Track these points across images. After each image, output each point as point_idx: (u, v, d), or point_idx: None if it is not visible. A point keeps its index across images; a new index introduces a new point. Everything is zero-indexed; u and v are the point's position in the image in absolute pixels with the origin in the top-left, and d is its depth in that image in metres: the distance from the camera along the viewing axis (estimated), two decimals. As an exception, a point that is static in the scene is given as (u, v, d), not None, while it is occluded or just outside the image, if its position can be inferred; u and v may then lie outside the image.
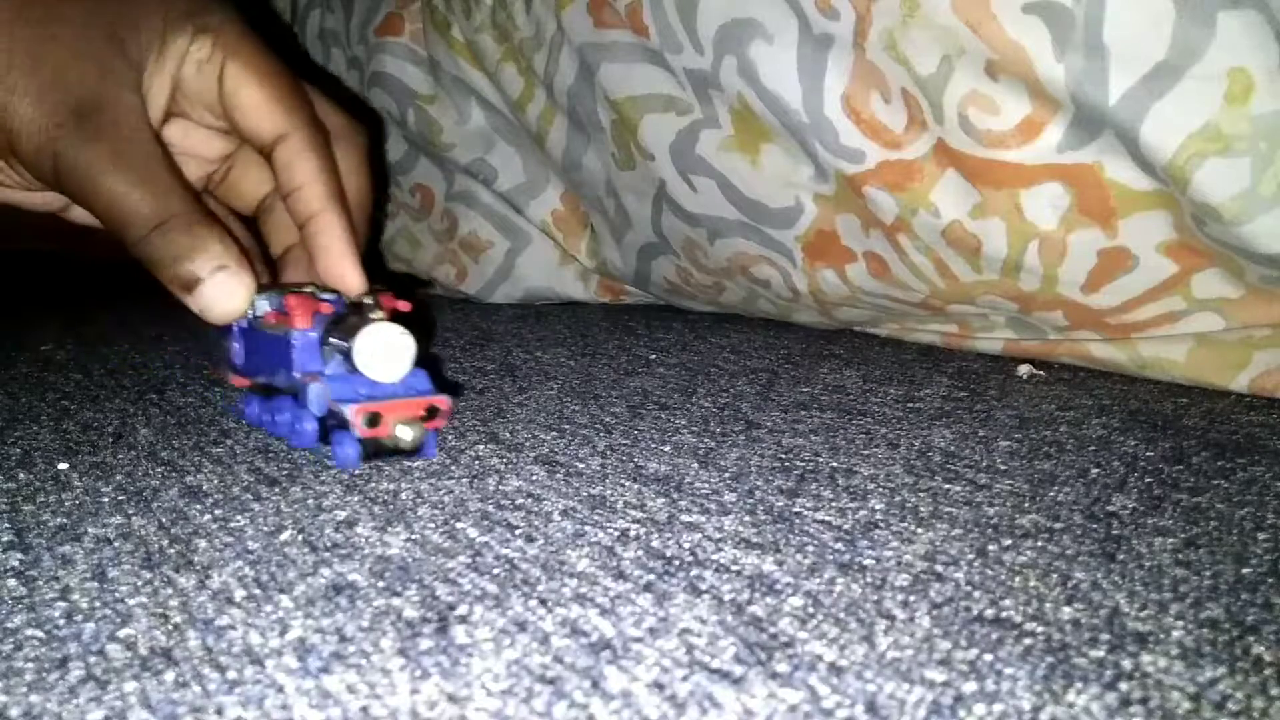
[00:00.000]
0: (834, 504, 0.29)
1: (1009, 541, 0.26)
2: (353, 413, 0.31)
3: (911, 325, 0.51)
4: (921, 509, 0.29)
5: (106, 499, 0.30)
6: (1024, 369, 0.45)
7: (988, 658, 0.20)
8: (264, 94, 0.33)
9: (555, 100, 0.54)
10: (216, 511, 0.29)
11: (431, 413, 0.32)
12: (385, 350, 0.32)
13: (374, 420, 0.31)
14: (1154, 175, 0.35)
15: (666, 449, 0.34)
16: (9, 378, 0.46)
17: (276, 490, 0.30)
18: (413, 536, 0.27)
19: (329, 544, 0.26)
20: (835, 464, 0.33)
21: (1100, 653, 0.20)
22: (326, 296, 0.34)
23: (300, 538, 0.27)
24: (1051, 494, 0.30)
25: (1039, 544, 0.26)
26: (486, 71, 0.58)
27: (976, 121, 0.37)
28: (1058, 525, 0.27)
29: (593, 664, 0.20)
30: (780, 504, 0.29)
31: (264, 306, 0.34)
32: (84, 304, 0.73)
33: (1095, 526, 0.27)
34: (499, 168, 0.61)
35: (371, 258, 0.38)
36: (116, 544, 0.26)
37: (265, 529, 0.27)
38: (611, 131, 0.51)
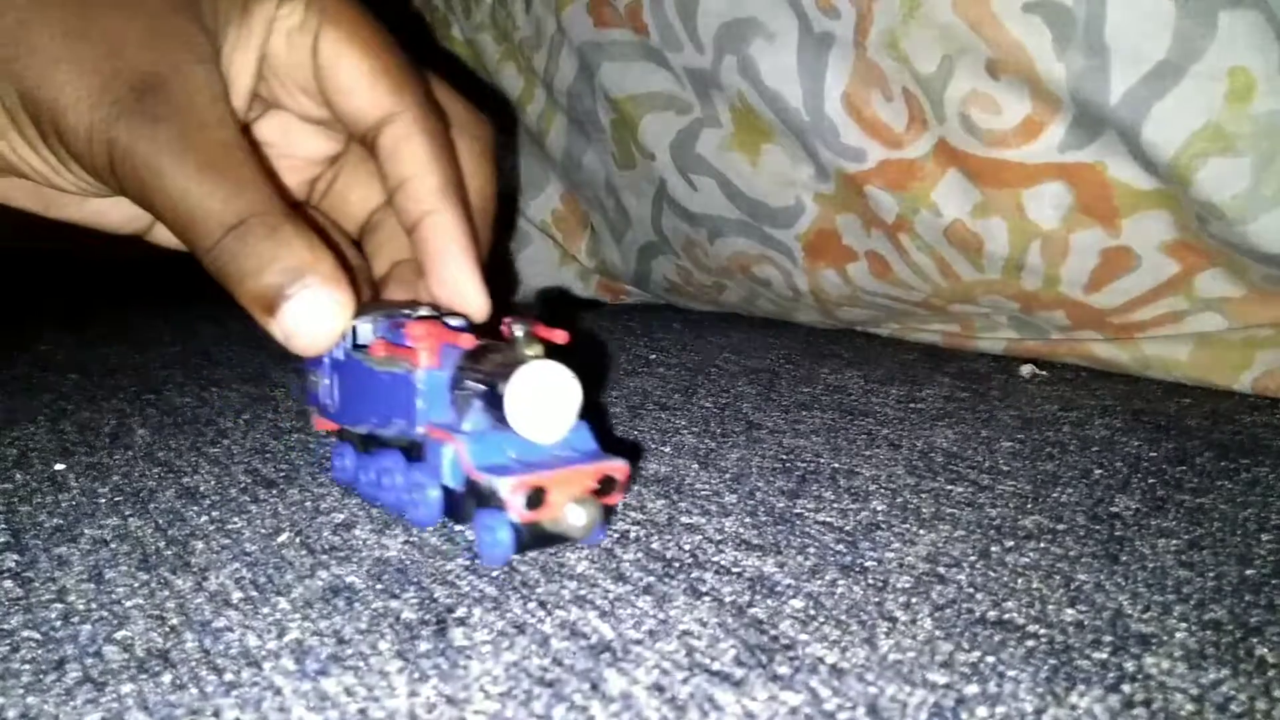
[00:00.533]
0: (835, 505, 0.29)
1: (1011, 543, 0.26)
2: (510, 489, 0.23)
3: (913, 325, 0.51)
4: (923, 510, 0.28)
5: (103, 500, 0.30)
6: (1026, 369, 0.45)
7: (990, 660, 0.20)
8: (368, 66, 0.27)
9: (555, 99, 0.54)
10: (214, 513, 0.28)
11: (606, 485, 0.24)
12: (546, 399, 0.24)
13: (537, 499, 0.23)
14: (1156, 174, 0.35)
15: (667, 449, 0.34)
16: (6, 378, 0.46)
17: (274, 492, 0.30)
18: (411, 539, 0.26)
19: (327, 546, 0.26)
20: (837, 465, 0.33)
21: (1103, 654, 0.20)
22: (455, 323, 0.27)
23: (298, 540, 0.26)
24: (1054, 495, 0.30)
25: (1042, 545, 0.26)
26: (486, 70, 0.57)
27: (978, 120, 0.37)
28: (1060, 526, 0.27)
29: (592, 666, 0.20)
30: (781, 505, 0.29)
31: (366, 332, 0.27)
32: (81, 303, 0.73)
33: (1098, 528, 0.27)
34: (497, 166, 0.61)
35: (496, 273, 0.29)
36: (113, 545, 0.26)
37: (263, 531, 0.27)
38: (611, 131, 0.51)
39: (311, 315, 0.24)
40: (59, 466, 0.33)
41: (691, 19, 0.44)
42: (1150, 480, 0.31)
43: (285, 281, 0.24)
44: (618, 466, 0.24)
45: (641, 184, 0.52)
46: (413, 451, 0.26)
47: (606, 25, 0.48)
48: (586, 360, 0.29)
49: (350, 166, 0.32)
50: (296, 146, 0.30)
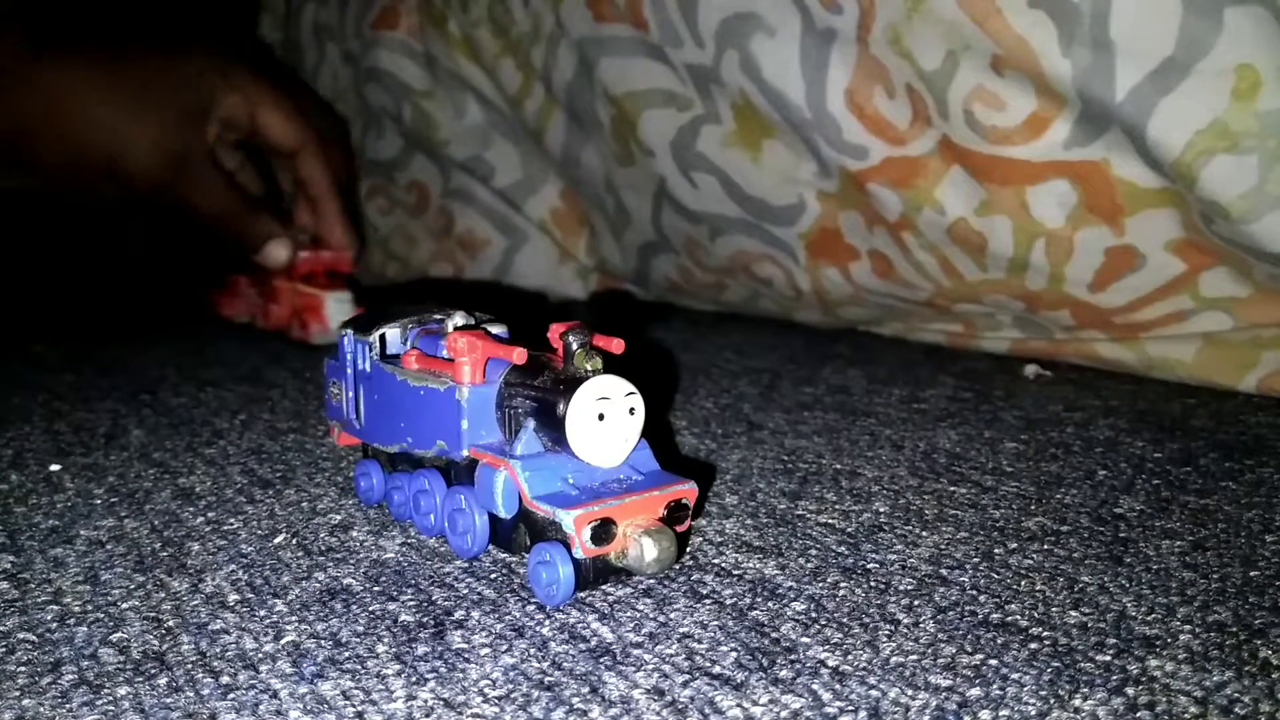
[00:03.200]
0: (837, 507, 0.29)
1: (1015, 544, 0.26)
2: (574, 522, 0.21)
3: (916, 324, 0.50)
4: (926, 512, 0.28)
5: (99, 501, 0.29)
6: (1030, 369, 0.45)
7: (993, 662, 0.20)
8: (283, 126, 0.53)
9: (553, 96, 0.54)
10: (210, 514, 0.28)
11: (675, 511, 0.22)
12: (610, 419, 0.22)
13: (604, 532, 0.21)
14: (1161, 172, 0.35)
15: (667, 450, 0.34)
16: (0, 378, 0.46)
17: (270, 493, 0.30)
18: (408, 540, 0.26)
19: (324, 548, 0.26)
20: (839, 466, 0.33)
21: (1107, 657, 0.20)
22: (497, 331, 0.26)
23: (295, 541, 0.26)
24: (1058, 496, 0.29)
25: (1045, 547, 0.26)
26: (484, 67, 0.57)
27: (982, 117, 0.37)
28: (1064, 528, 0.27)
29: (592, 669, 0.20)
30: (783, 507, 0.29)
31: (395, 340, 0.26)
32: (78, 304, 0.73)
33: (1102, 529, 0.27)
34: (496, 164, 0.61)
35: (356, 218, 0.60)
36: (109, 547, 0.26)
37: (259, 532, 0.27)
38: (611, 127, 0.51)
39: (273, 254, 0.52)
40: (54, 467, 0.33)
41: (692, 14, 0.43)
42: (1154, 481, 0.31)
43: (259, 239, 0.52)
44: (687, 490, 0.22)
45: (641, 181, 0.52)
46: (451, 472, 0.25)
47: (605, 20, 0.47)
48: (644, 368, 0.28)
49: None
50: (228, 138, 0.55)
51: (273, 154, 0.56)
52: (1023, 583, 0.23)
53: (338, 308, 0.50)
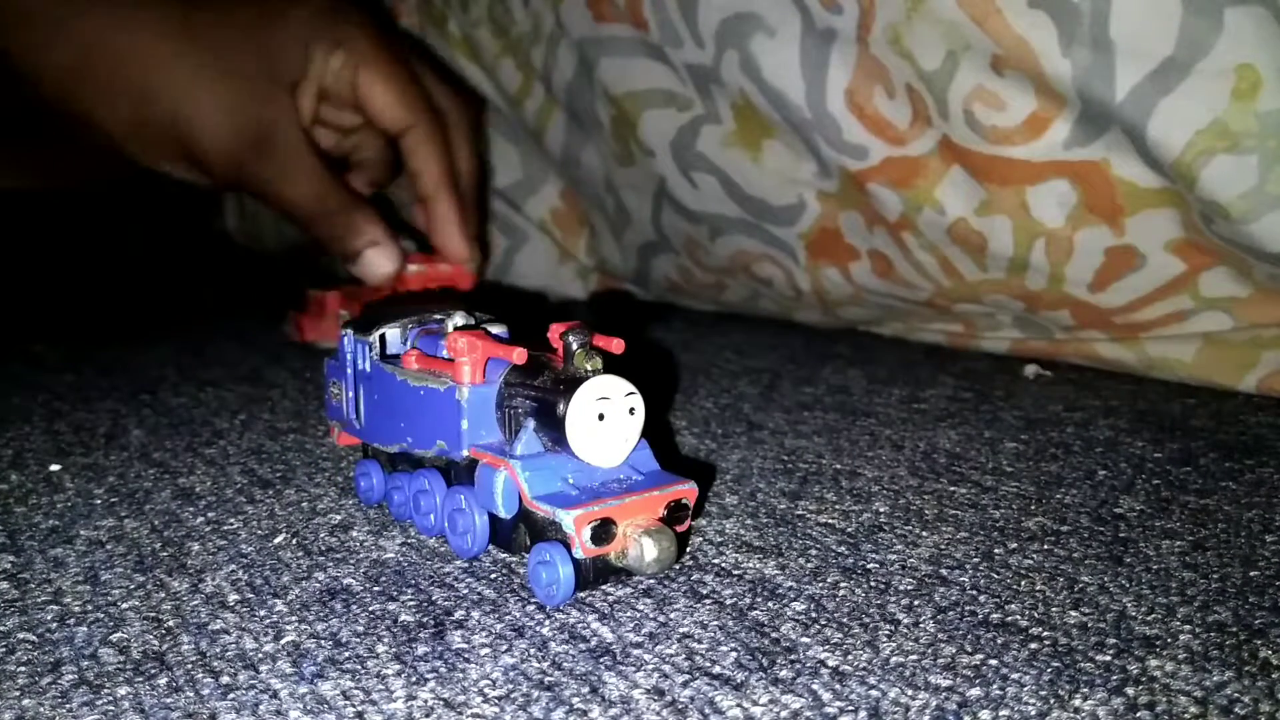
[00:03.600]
0: (837, 507, 0.29)
1: (1015, 544, 0.26)
2: (573, 522, 0.21)
3: (916, 324, 0.50)
4: (926, 512, 0.28)
5: (99, 501, 0.29)
6: (1030, 369, 0.45)
7: (993, 662, 0.20)
8: (390, 96, 0.42)
9: (553, 96, 0.54)
10: (210, 514, 0.28)
11: (675, 511, 0.22)
12: (610, 419, 0.22)
13: (604, 532, 0.21)
14: (1161, 172, 0.35)
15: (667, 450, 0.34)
16: (0, 378, 0.46)
17: (270, 493, 0.30)
18: (408, 540, 0.26)
19: (324, 548, 0.26)
20: (839, 466, 0.33)
21: (1107, 657, 0.20)
22: (497, 331, 0.26)
23: (295, 541, 0.26)
24: (1058, 496, 0.29)
25: (1045, 547, 0.26)
26: (484, 66, 0.57)
27: (982, 117, 0.37)
28: (1064, 528, 0.27)
29: (592, 669, 0.20)
30: (783, 507, 0.29)
31: (395, 340, 0.26)
32: (76, 304, 0.73)
33: (1102, 529, 0.27)
34: (496, 164, 0.61)
35: (484, 225, 0.48)
36: (109, 547, 0.26)
37: (259, 532, 0.27)
38: (611, 127, 0.51)
39: (375, 263, 0.42)
40: (54, 467, 0.33)
41: (692, 14, 0.43)
42: (1154, 481, 0.31)
43: (358, 243, 0.42)
44: (687, 490, 0.22)
45: (641, 181, 0.52)
46: (451, 472, 0.25)
47: (605, 20, 0.47)
48: (644, 368, 0.29)
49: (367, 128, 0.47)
50: (342, 120, 0.46)
51: (384, 136, 0.45)
52: (1023, 583, 0.23)
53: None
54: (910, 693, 0.19)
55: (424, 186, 0.44)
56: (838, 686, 0.19)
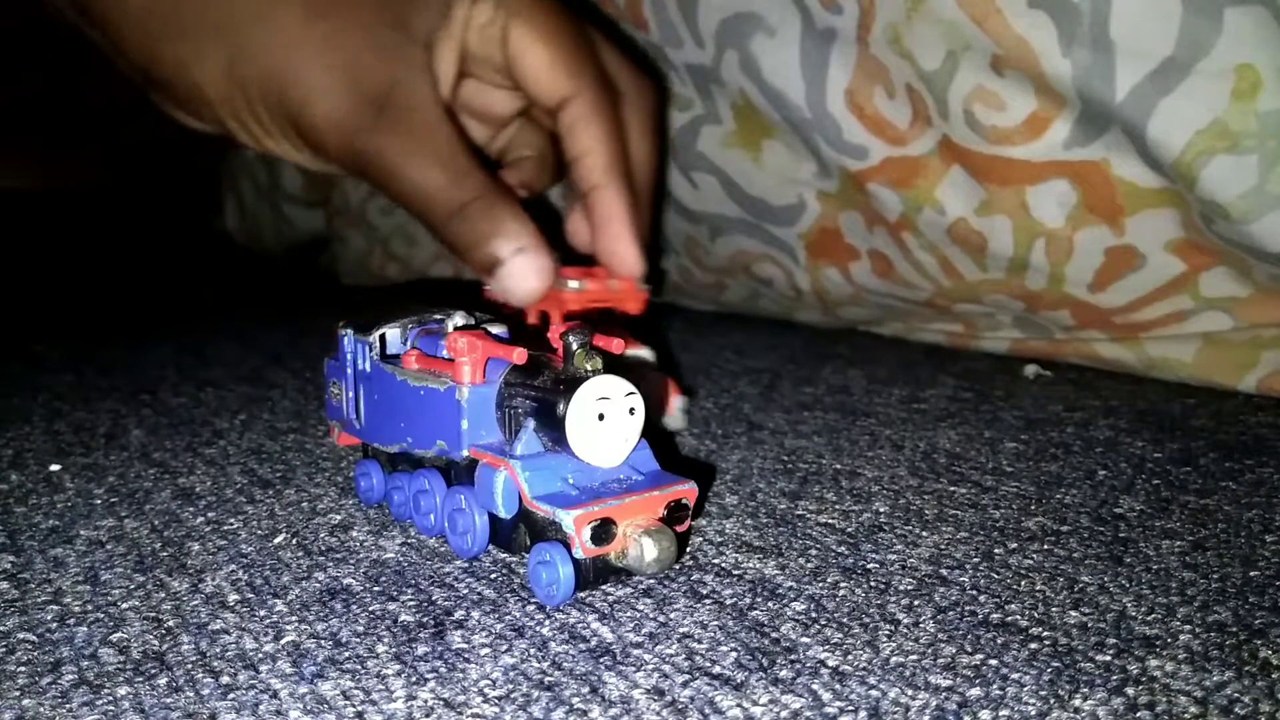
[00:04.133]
0: (837, 507, 0.29)
1: (1015, 544, 0.26)
2: (573, 522, 0.21)
3: (916, 325, 0.50)
4: (926, 512, 0.28)
5: (99, 501, 0.29)
6: (1030, 369, 0.45)
7: (993, 662, 0.20)
8: (549, 56, 0.32)
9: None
10: (210, 514, 0.28)
11: (675, 511, 0.22)
12: (610, 419, 0.22)
13: (604, 532, 0.21)
14: (1161, 172, 0.35)
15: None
16: (0, 378, 0.46)
17: (270, 493, 0.30)
18: (408, 540, 0.26)
19: (324, 548, 0.26)
20: (839, 466, 0.33)
21: (1107, 657, 0.20)
22: (497, 332, 0.26)
23: (295, 541, 0.26)
24: (1058, 496, 0.29)
25: (1045, 547, 0.26)
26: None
27: (982, 117, 0.37)
28: (1064, 528, 0.27)
29: (592, 669, 0.20)
30: (783, 507, 0.29)
31: (395, 340, 0.27)
32: (76, 304, 0.73)
33: (1102, 529, 0.27)
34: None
35: (655, 234, 0.35)
36: (109, 547, 0.26)
37: (259, 532, 0.27)
38: (612, 129, 0.51)
39: (522, 276, 0.31)
40: (54, 467, 0.33)
41: (692, 14, 0.43)
42: (1155, 481, 0.31)
43: (500, 250, 0.30)
44: (687, 490, 0.22)
45: (642, 182, 0.52)
46: (451, 472, 0.25)
47: (607, 22, 0.47)
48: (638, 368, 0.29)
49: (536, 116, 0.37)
50: (492, 106, 0.36)
51: (544, 131, 0.36)
52: (1023, 583, 0.23)
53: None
54: (910, 693, 0.19)
55: (588, 173, 0.33)
56: (838, 686, 0.19)
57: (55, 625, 0.22)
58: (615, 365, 0.23)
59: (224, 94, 0.31)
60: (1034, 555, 0.25)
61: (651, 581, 0.24)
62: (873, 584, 0.23)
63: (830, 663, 0.20)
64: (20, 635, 0.21)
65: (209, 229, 0.93)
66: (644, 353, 0.34)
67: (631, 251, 0.33)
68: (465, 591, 0.23)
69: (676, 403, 0.35)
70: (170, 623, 0.22)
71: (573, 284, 0.33)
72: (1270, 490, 0.30)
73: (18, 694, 0.19)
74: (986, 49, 0.36)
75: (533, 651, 0.20)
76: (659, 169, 0.38)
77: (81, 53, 0.36)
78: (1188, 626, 0.21)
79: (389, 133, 0.30)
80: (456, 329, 0.25)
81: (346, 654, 0.20)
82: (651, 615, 0.22)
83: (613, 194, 0.33)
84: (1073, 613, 0.22)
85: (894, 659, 0.20)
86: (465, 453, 0.24)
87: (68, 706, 0.18)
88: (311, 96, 0.30)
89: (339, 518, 0.28)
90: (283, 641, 0.21)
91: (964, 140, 0.38)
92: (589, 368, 0.22)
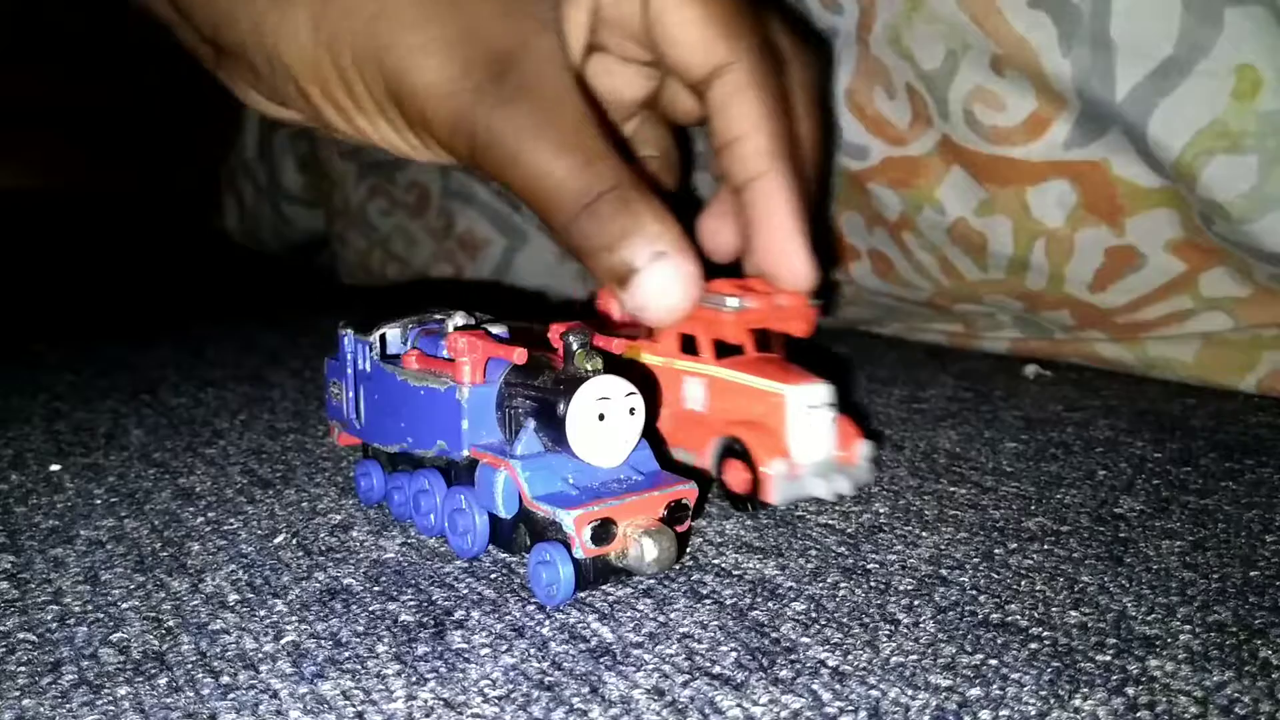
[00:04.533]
0: (837, 507, 0.29)
1: (1015, 545, 0.26)
2: (573, 522, 0.21)
3: (916, 325, 0.50)
4: (926, 512, 0.28)
5: (99, 501, 0.29)
6: (1030, 369, 0.45)
7: (993, 662, 0.20)
8: (698, 15, 0.27)
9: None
10: (210, 514, 0.28)
11: (675, 511, 0.22)
12: (611, 419, 0.22)
13: (604, 532, 0.21)
14: (1162, 172, 0.35)
15: (667, 449, 0.34)
16: (0, 378, 0.46)
17: (270, 493, 0.30)
18: (409, 540, 0.26)
19: (324, 548, 0.26)
20: (838, 465, 0.32)
21: (1107, 657, 0.20)
22: (497, 332, 0.25)
23: (295, 541, 0.26)
24: (1058, 496, 0.29)
25: (1045, 547, 0.26)
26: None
27: (982, 117, 0.37)
28: (1064, 528, 0.27)
29: (592, 669, 0.20)
30: (783, 507, 0.29)
31: (395, 340, 0.26)
32: (76, 303, 0.73)
33: (1102, 529, 0.27)
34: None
35: (819, 229, 0.28)
36: (109, 547, 0.26)
37: (259, 532, 0.27)
38: (612, 129, 0.51)
39: (662, 288, 0.25)
40: (54, 467, 0.33)
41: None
42: (1155, 481, 0.31)
43: (636, 255, 0.25)
44: (687, 490, 0.22)
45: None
46: (452, 472, 0.25)
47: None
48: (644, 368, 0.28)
49: (670, 93, 0.31)
50: (618, 89, 0.30)
51: (668, 125, 0.32)
52: (1023, 583, 0.23)
53: (807, 427, 0.27)
54: (910, 693, 0.19)
55: (746, 160, 0.27)
56: (838, 686, 0.19)
57: (55, 625, 0.22)
58: (615, 365, 0.23)
59: (309, 59, 0.26)
60: (1034, 555, 0.25)
61: (651, 581, 0.24)
62: (873, 584, 0.23)
63: (830, 663, 0.20)
64: (20, 635, 0.21)
65: (209, 229, 0.93)
66: (820, 389, 0.27)
67: (801, 256, 0.27)
68: (465, 591, 0.23)
69: (861, 449, 0.27)
70: (170, 623, 0.22)
71: (731, 301, 0.27)
72: (1270, 490, 0.30)
73: (18, 694, 0.19)
74: (986, 49, 0.36)
75: (533, 651, 0.20)
76: (825, 157, 0.32)
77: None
78: (1188, 626, 0.21)
79: (510, 106, 0.25)
80: (456, 329, 0.25)
81: (346, 654, 0.20)
82: (651, 615, 0.22)
83: (778, 184, 0.27)
84: (1073, 613, 0.22)
85: (894, 659, 0.20)
86: (465, 453, 0.24)
87: (68, 706, 0.18)
88: (416, 61, 0.25)
89: (339, 518, 0.28)
90: (283, 641, 0.21)
91: (964, 140, 0.38)
92: (589, 368, 0.22)
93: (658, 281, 0.25)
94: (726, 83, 0.27)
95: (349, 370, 0.27)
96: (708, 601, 0.22)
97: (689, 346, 0.29)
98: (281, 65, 0.26)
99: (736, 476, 0.27)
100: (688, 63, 0.27)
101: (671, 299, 0.25)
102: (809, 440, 0.27)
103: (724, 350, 0.28)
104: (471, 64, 0.25)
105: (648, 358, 0.29)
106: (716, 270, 0.28)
